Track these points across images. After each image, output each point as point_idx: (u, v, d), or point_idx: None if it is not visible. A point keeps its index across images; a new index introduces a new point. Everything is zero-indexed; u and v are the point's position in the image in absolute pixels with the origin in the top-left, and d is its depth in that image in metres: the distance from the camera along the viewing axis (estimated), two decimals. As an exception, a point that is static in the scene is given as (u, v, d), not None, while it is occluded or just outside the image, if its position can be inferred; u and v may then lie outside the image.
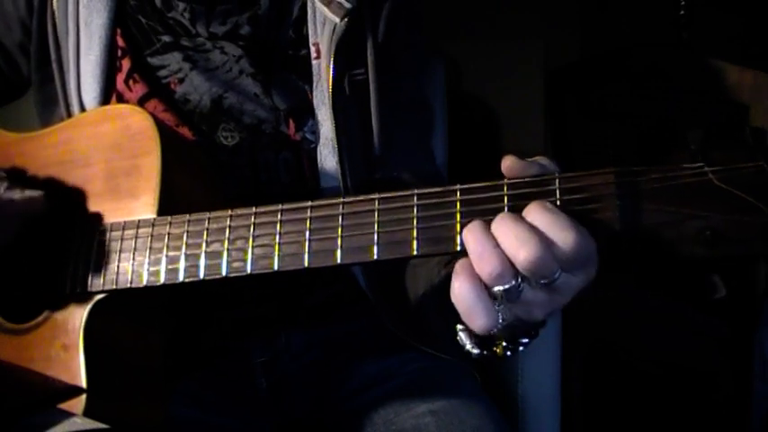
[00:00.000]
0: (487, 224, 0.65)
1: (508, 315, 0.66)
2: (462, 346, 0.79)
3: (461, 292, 0.65)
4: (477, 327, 0.66)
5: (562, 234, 0.62)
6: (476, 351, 0.79)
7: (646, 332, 2.01)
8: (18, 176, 0.94)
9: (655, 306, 1.96)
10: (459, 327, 0.79)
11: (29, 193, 0.88)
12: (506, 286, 0.64)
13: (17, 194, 0.88)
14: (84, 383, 0.83)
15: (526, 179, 0.66)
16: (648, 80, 2.06)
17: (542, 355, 1.24)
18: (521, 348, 0.79)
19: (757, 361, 1.71)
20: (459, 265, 0.66)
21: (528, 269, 0.62)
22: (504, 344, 0.77)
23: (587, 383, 2.00)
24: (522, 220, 0.63)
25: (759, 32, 2.09)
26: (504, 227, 0.64)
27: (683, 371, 1.91)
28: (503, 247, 0.63)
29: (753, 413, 1.74)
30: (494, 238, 0.64)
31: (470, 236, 0.65)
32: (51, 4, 1.07)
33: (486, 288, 0.65)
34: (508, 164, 0.67)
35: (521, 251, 0.62)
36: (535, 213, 0.63)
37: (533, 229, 0.62)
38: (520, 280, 0.64)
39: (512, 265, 0.63)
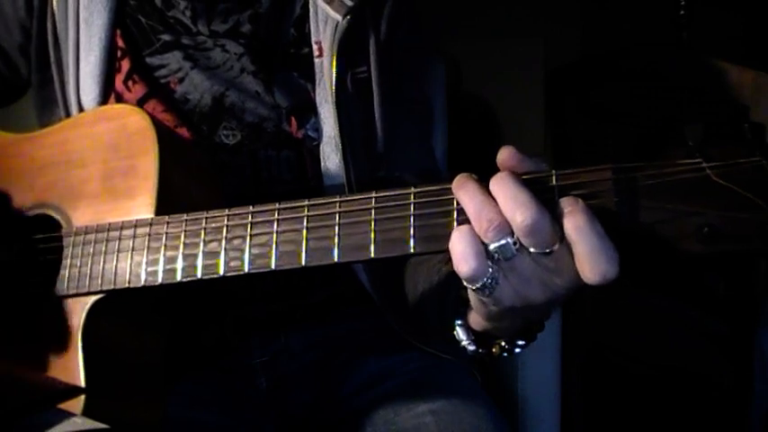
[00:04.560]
0: (479, 182, 0.65)
1: (498, 275, 0.65)
2: (459, 342, 0.78)
3: (456, 236, 0.64)
4: (465, 272, 0.64)
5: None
6: (472, 348, 0.77)
7: (645, 333, 2.01)
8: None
9: (654, 307, 1.96)
10: (458, 321, 0.78)
11: None
12: (503, 242, 0.63)
13: None
14: (82, 383, 0.83)
15: (523, 176, 0.65)
16: (648, 80, 2.06)
17: (542, 355, 1.24)
18: (517, 350, 0.78)
19: (757, 361, 1.70)
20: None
21: (525, 232, 0.62)
22: (501, 344, 0.77)
23: (587, 384, 2.00)
24: (521, 182, 0.63)
25: (759, 32, 2.09)
26: (503, 189, 0.63)
27: (683, 371, 1.91)
28: (501, 207, 0.63)
29: (752, 413, 1.74)
30: (491, 196, 0.64)
31: (465, 194, 0.65)
32: (51, 4, 1.07)
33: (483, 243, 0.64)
34: (505, 156, 0.66)
35: (517, 212, 0.61)
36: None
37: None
38: (516, 238, 0.63)
39: (508, 223, 0.63)
